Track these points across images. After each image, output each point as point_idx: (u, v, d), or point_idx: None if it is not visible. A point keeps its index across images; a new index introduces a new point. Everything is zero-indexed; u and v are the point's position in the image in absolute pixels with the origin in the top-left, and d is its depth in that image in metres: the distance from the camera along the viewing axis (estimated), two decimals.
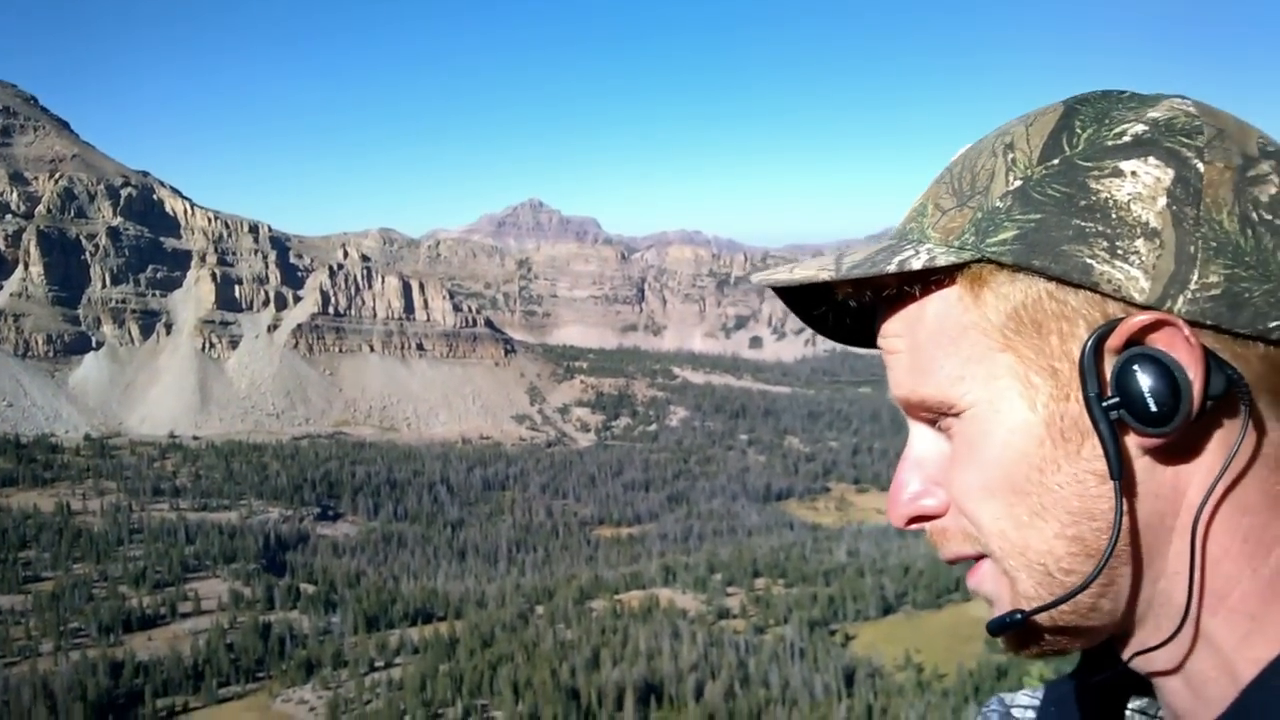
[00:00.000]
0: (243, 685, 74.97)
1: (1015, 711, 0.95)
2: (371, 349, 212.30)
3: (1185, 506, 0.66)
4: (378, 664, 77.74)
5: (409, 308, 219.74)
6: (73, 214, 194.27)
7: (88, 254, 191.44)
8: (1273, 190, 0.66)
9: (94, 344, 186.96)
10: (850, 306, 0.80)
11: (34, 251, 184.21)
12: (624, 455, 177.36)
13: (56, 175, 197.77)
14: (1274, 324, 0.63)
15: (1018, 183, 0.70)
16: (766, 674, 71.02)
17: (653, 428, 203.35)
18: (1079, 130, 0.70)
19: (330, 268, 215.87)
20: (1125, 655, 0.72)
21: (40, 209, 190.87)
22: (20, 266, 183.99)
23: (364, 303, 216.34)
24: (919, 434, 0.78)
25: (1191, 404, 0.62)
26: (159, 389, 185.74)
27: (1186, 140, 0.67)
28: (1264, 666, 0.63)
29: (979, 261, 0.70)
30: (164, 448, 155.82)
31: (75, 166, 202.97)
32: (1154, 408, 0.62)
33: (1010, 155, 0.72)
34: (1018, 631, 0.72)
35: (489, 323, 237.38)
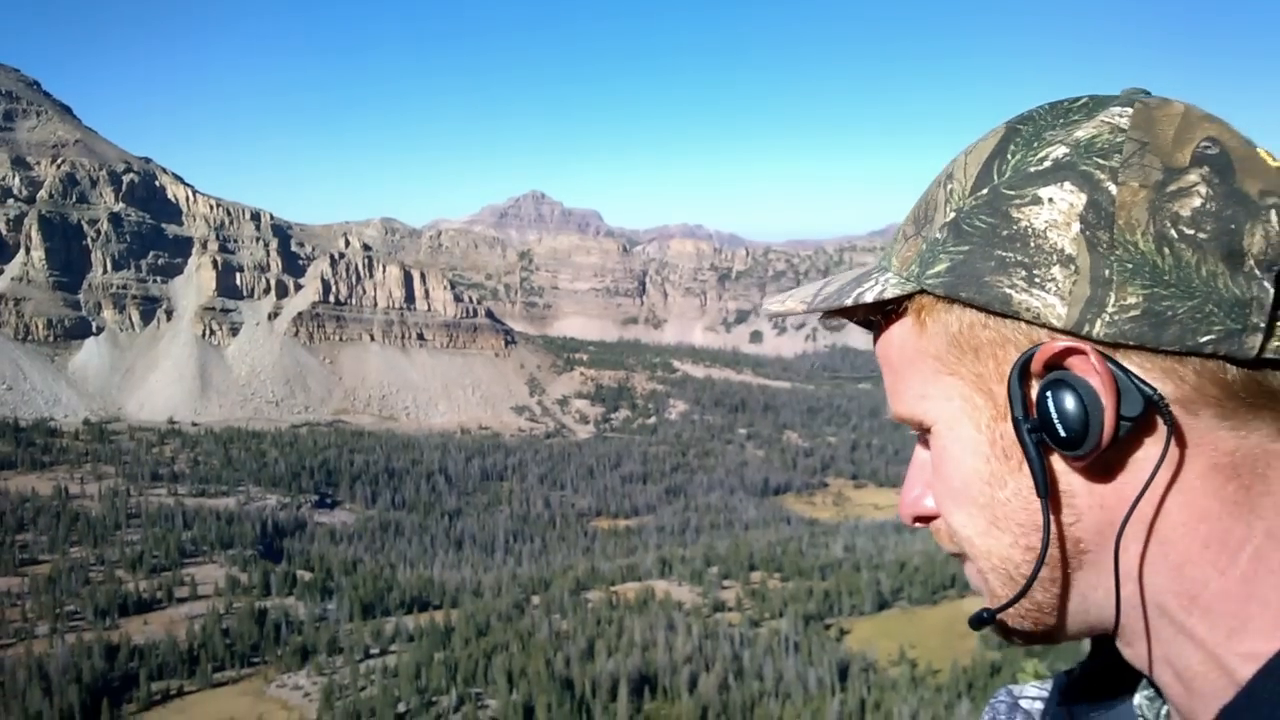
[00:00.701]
0: (238, 670, 75.09)
1: (1023, 702, 0.99)
2: (372, 338, 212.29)
3: (1107, 519, 0.71)
4: (373, 651, 77.86)
5: (410, 297, 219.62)
6: (75, 199, 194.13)
7: (89, 239, 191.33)
8: (1196, 203, 0.67)
9: (94, 329, 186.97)
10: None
11: (35, 236, 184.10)
12: (622, 447, 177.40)
13: (59, 160, 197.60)
14: (1205, 339, 0.65)
15: (952, 214, 0.75)
16: (761, 667, 71.10)
17: (652, 420, 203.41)
18: (1010, 157, 0.73)
19: (331, 256, 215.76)
20: (1124, 650, 0.76)
21: (42, 194, 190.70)
22: (22, 251, 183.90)
23: (365, 292, 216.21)
24: (920, 441, 0.83)
25: (1103, 426, 0.66)
26: (159, 375, 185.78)
27: (1101, 161, 0.69)
28: (1268, 658, 0.64)
29: (920, 293, 0.76)
30: (163, 433, 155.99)
31: (78, 152, 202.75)
32: (1063, 432, 0.67)
33: (949, 186, 0.77)
34: (997, 625, 0.79)
35: (489, 313, 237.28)
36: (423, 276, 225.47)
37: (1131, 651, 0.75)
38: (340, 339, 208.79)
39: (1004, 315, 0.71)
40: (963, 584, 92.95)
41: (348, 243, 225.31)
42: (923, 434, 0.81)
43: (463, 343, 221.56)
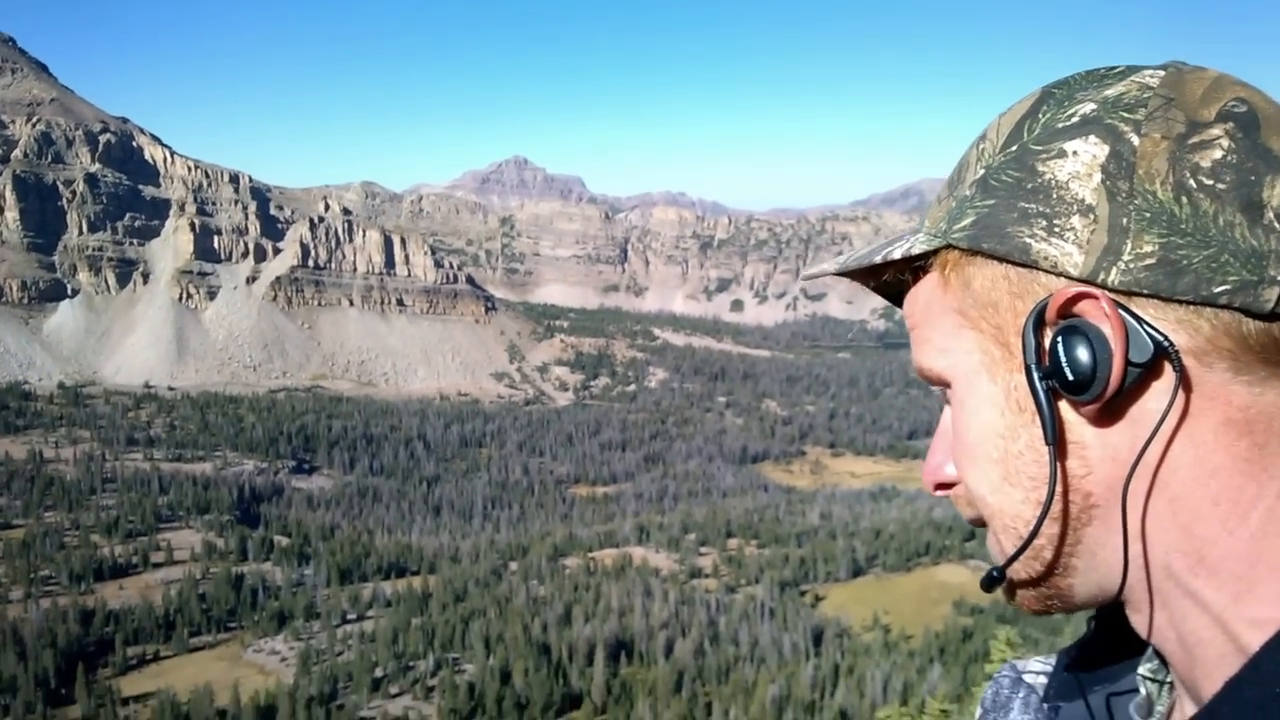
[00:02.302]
0: (214, 635, 75.16)
1: (1027, 677, 0.99)
2: (351, 303, 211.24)
3: (1145, 469, 0.69)
4: (350, 616, 78.04)
5: (390, 262, 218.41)
6: (50, 159, 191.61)
7: (64, 200, 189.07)
8: (1217, 155, 0.67)
9: (70, 291, 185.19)
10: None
11: (10, 196, 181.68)
12: (602, 415, 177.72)
13: (34, 119, 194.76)
14: (1219, 289, 0.65)
15: (981, 171, 0.77)
16: (736, 633, 71.77)
17: (631, 388, 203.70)
18: (1041, 116, 0.75)
19: (311, 220, 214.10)
20: (1130, 615, 0.75)
21: (17, 153, 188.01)
22: None
23: (344, 256, 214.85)
24: (947, 407, 0.82)
25: (1110, 370, 0.66)
26: (135, 338, 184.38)
27: (1127, 114, 0.70)
28: (1277, 628, 0.63)
29: (946, 248, 0.77)
30: (139, 397, 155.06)
31: (53, 111, 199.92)
32: (1070, 376, 0.68)
33: (981, 146, 0.79)
34: (1008, 589, 0.79)
35: (470, 279, 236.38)
36: (403, 241, 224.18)
37: (1139, 617, 0.74)
38: (319, 304, 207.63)
39: (1024, 265, 0.72)
40: (936, 551, 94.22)
41: (327, 206, 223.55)
42: (945, 393, 0.82)
43: (443, 309, 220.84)
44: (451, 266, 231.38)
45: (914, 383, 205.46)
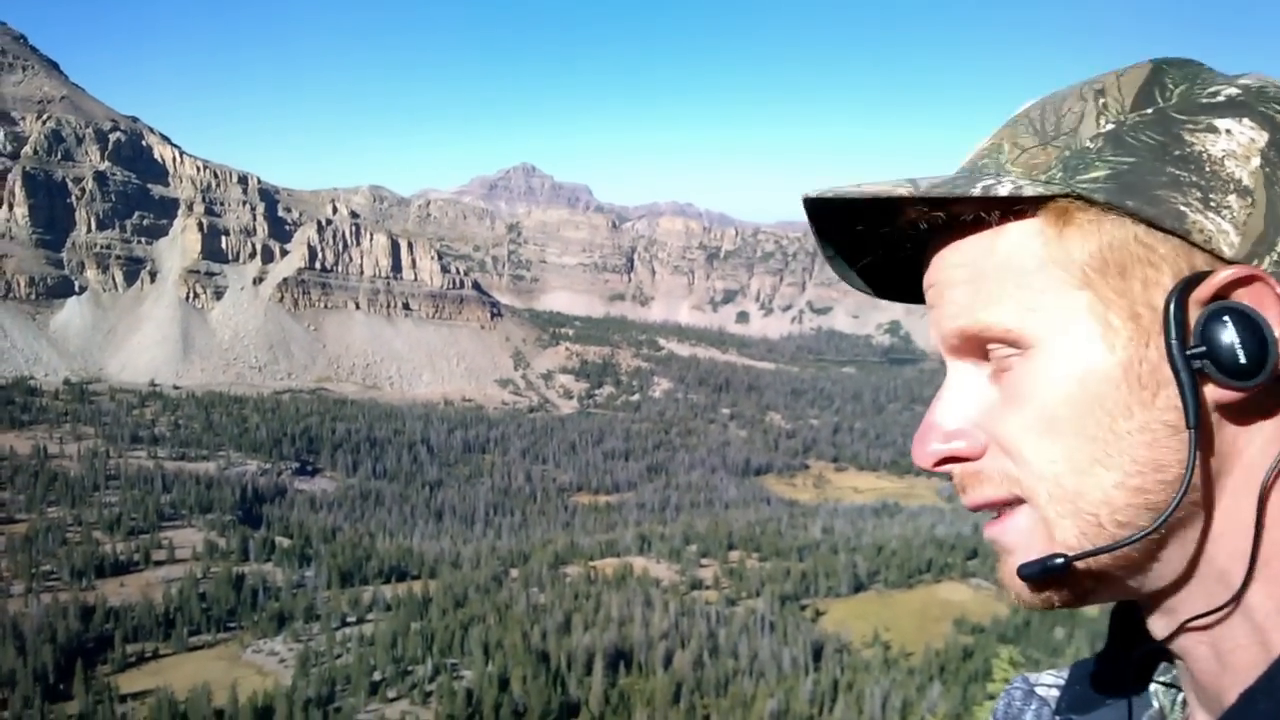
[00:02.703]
0: (214, 635, 75.17)
1: (1040, 690, 0.96)
2: (357, 306, 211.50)
3: (1242, 466, 0.66)
4: (350, 619, 77.97)
5: (396, 267, 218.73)
6: (59, 156, 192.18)
7: (74, 197, 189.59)
8: None
9: (77, 288, 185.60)
10: (895, 240, 0.79)
11: (19, 193, 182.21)
12: (605, 424, 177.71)
13: (44, 116, 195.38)
14: None
15: (1109, 126, 0.70)
16: (736, 646, 71.60)
17: (635, 398, 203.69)
18: (1170, 86, 0.71)
19: (319, 223, 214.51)
20: (1159, 620, 0.72)
21: (27, 150, 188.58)
22: (5, 207, 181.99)
23: (351, 259, 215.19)
24: (960, 372, 0.75)
25: (1276, 360, 0.63)
26: (141, 336, 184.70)
27: (1279, 108, 0.68)
28: None
29: (1066, 196, 0.69)
30: (144, 395, 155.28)
31: (64, 108, 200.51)
32: (1243, 360, 0.63)
33: (1101, 100, 0.72)
34: (1044, 580, 0.70)
35: (476, 285, 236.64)
36: (410, 246, 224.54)
37: (1167, 620, 0.71)
38: (325, 306, 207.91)
39: (1169, 233, 0.66)
40: (939, 568, 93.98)
41: (335, 209, 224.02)
42: (990, 356, 0.73)
43: (448, 314, 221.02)
44: (458, 272, 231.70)
45: (919, 398, 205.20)
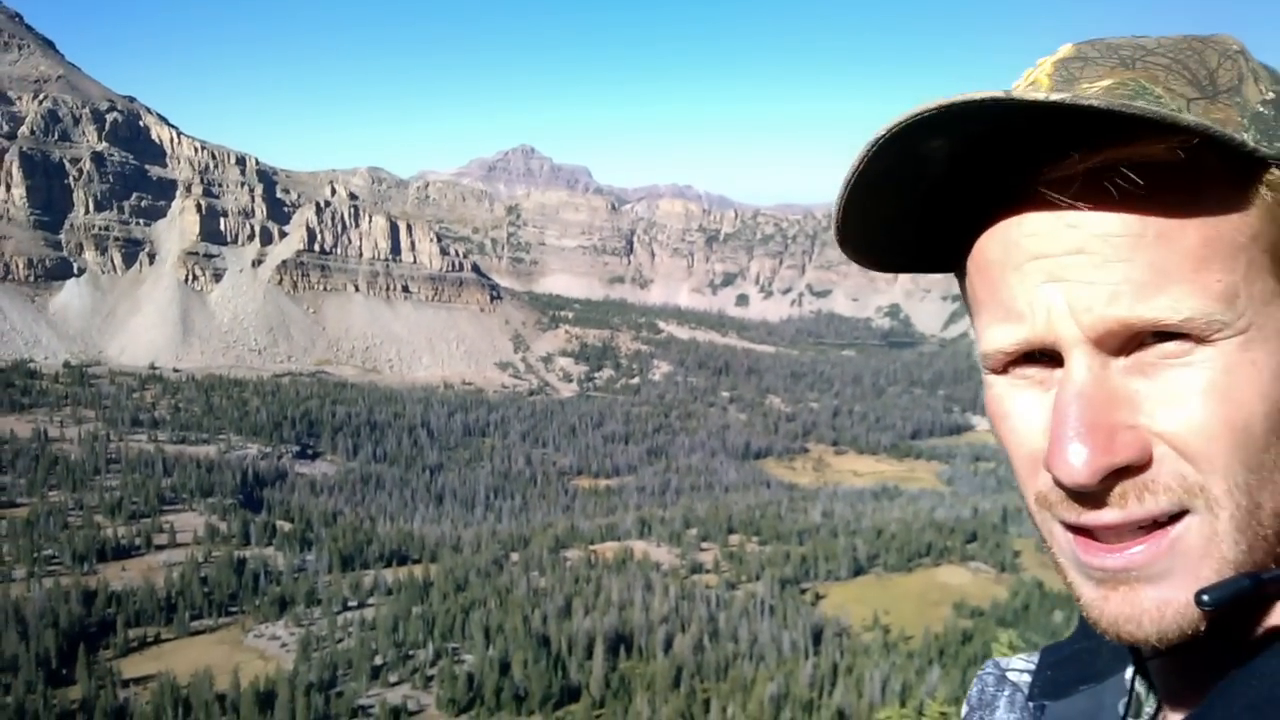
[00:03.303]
0: (215, 619, 75.34)
1: (1010, 674, 0.95)
2: (356, 289, 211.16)
3: None
4: (351, 603, 78.16)
5: (395, 249, 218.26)
6: (56, 137, 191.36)
7: (71, 178, 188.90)
8: None
9: (76, 270, 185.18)
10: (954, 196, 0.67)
11: (16, 173, 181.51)
12: (605, 407, 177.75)
13: (41, 96, 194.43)
14: None
15: (1271, 94, 0.62)
16: (736, 629, 71.87)
17: (635, 381, 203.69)
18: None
19: (317, 204, 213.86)
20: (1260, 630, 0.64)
21: (23, 130, 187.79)
22: (2, 188, 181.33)
23: (350, 242, 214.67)
24: (1095, 367, 0.62)
25: None
26: (140, 319, 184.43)
27: None
28: None
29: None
30: (144, 378, 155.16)
31: (60, 88, 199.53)
32: None
33: (1249, 63, 0.64)
34: (1226, 603, 0.60)
35: (475, 268, 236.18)
36: (409, 228, 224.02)
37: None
38: (324, 288, 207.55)
39: None
40: (938, 552, 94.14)
41: (334, 191, 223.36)
42: (1149, 348, 0.61)
43: (448, 296, 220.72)
44: (457, 254, 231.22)
45: (919, 381, 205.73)
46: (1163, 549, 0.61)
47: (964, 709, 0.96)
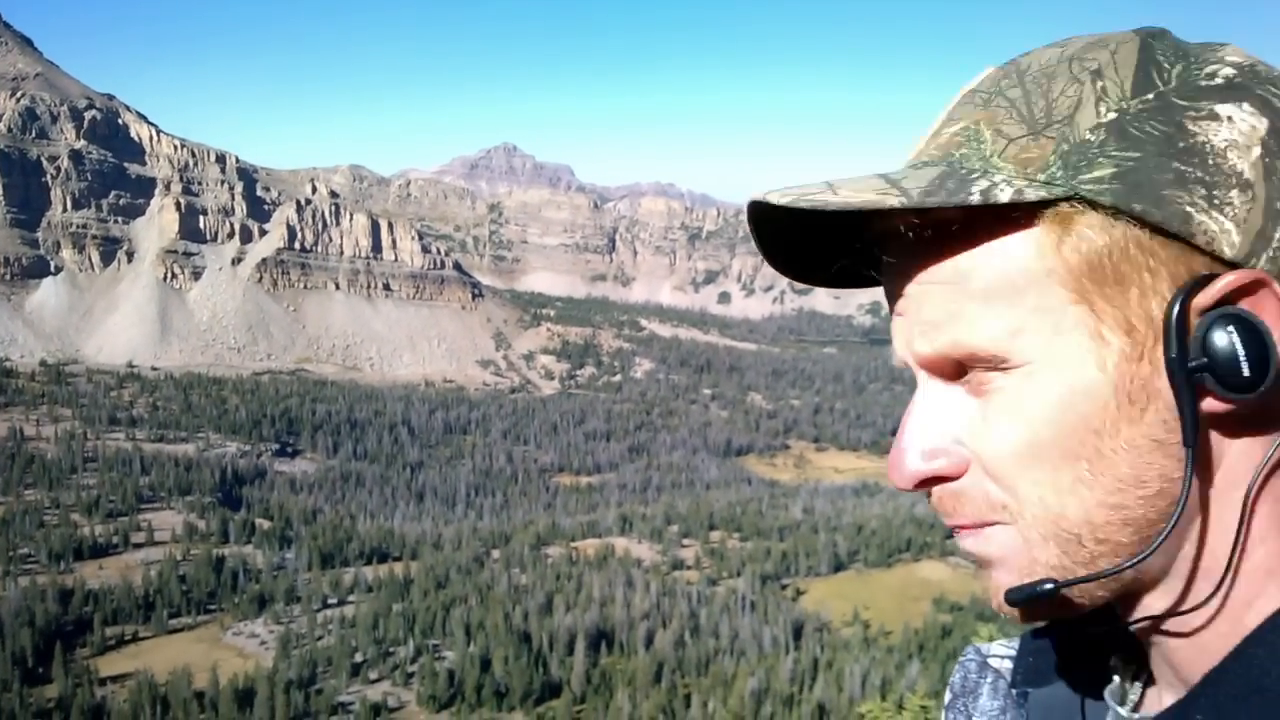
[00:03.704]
0: (194, 617, 75.00)
1: (992, 661, 0.95)
2: (337, 287, 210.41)
3: (1224, 471, 0.63)
4: (331, 601, 77.97)
5: (376, 247, 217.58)
6: (34, 134, 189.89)
7: (49, 176, 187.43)
8: None
9: (53, 268, 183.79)
10: (859, 246, 0.69)
11: None
12: (587, 404, 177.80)
13: (18, 94, 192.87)
14: None
15: (1111, 115, 0.61)
16: (717, 625, 72.08)
17: (617, 378, 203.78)
18: (1166, 65, 0.63)
19: (298, 202, 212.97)
20: (1134, 614, 0.68)
21: (0, 128, 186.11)
22: None
23: (331, 240, 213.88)
24: (934, 389, 0.67)
25: (1275, 369, 0.58)
26: (118, 317, 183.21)
27: (1275, 90, 0.63)
28: (1265, 617, 0.61)
29: (1070, 200, 0.60)
30: (122, 377, 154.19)
31: (38, 86, 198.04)
32: (1246, 371, 0.58)
33: (1099, 83, 0.63)
34: (1033, 603, 0.65)
35: (457, 265, 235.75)
36: (390, 226, 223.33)
37: (1149, 612, 0.66)
38: (305, 287, 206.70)
39: (1173, 236, 0.59)
40: (918, 547, 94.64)
41: (315, 189, 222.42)
42: (970, 375, 0.64)
43: (429, 294, 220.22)
44: (439, 252, 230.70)
45: (899, 378, 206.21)
46: (987, 541, 0.66)
47: (947, 695, 0.97)
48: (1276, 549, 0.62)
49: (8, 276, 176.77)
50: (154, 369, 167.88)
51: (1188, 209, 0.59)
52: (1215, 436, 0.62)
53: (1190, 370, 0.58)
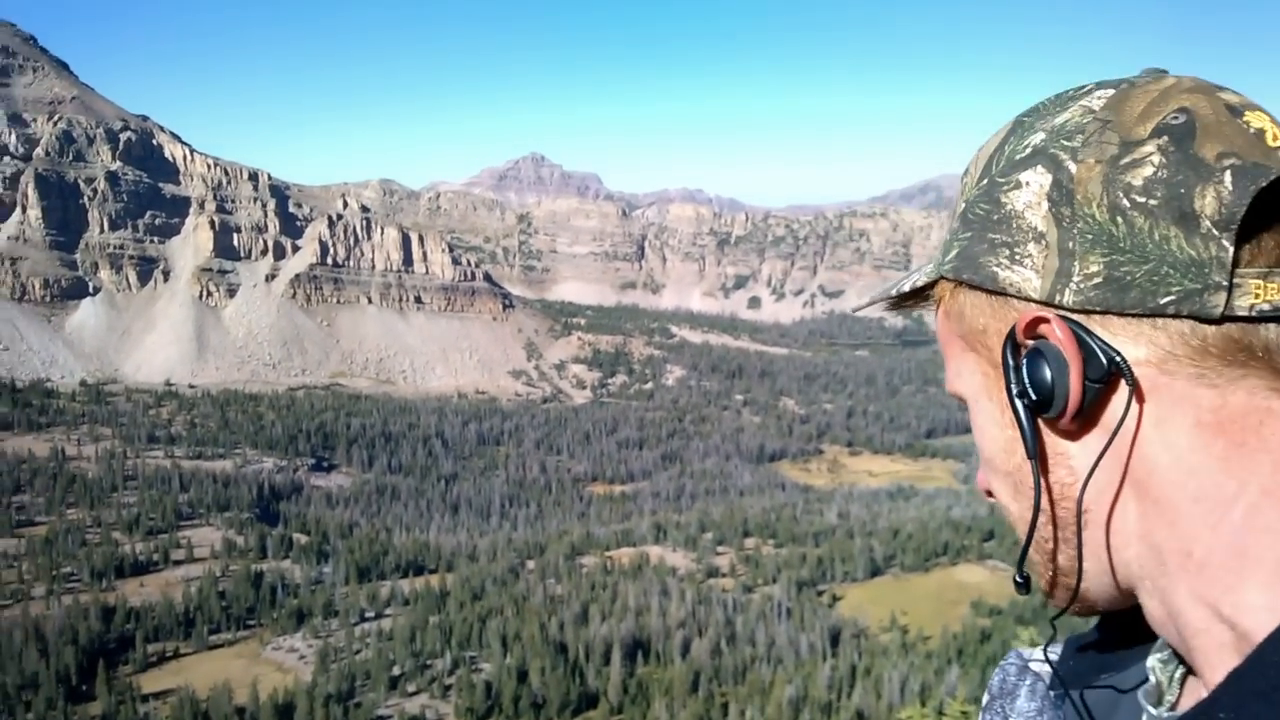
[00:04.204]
0: (234, 633, 75.59)
1: (1034, 664, 1.02)
2: (369, 301, 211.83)
3: (1127, 478, 0.75)
4: (368, 614, 78.34)
5: (408, 260, 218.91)
6: (71, 157, 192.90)
7: (86, 198, 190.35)
8: (1148, 171, 0.74)
9: (91, 289, 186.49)
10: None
11: (32, 194, 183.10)
12: (619, 413, 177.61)
13: (55, 117, 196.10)
14: (1165, 300, 0.72)
15: (962, 205, 0.87)
16: (753, 633, 71.59)
17: (649, 386, 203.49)
18: (1005, 148, 0.84)
19: (329, 218, 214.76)
20: (1148, 615, 0.79)
21: (39, 151, 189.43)
22: (18, 209, 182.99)
23: (363, 254, 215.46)
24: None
25: (1068, 389, 0.74)
26: (155, 336, 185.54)
27: (1066, 143, 0.78)
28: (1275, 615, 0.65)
29: (942, 280, 0.88)
30: (160, 395, 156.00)
31: (74, 109, 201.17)
32: (1034, 395, 0.77)
33: (964, 180, 0.89)
34: (1045, 591, 0.86)
35: (488, 277, 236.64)
36: (421, 239, 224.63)
37: (1149, 612, 0.78)
38: (337, 301, 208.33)
39: (997, 293, 0.81)
40: (955, 551, 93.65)
41: (346, 204, 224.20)
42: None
43: (460, 306, 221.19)
44: (469, 264, 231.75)
45: (932, 380, 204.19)
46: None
47: (985, 697, 1.04)
48: (1219, 544, 0.70)
49: (48, 298, 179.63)
50: (191, 386, 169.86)
51: (994, 269, 0.80)
52: (1079, 447, 0.79)
53: (1016, 396, 0.79)
